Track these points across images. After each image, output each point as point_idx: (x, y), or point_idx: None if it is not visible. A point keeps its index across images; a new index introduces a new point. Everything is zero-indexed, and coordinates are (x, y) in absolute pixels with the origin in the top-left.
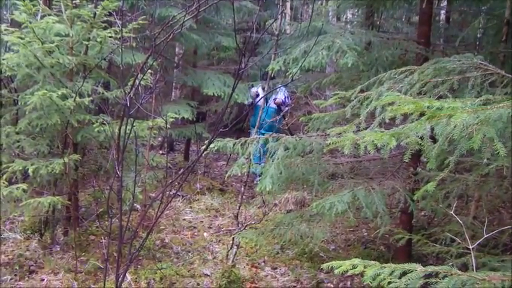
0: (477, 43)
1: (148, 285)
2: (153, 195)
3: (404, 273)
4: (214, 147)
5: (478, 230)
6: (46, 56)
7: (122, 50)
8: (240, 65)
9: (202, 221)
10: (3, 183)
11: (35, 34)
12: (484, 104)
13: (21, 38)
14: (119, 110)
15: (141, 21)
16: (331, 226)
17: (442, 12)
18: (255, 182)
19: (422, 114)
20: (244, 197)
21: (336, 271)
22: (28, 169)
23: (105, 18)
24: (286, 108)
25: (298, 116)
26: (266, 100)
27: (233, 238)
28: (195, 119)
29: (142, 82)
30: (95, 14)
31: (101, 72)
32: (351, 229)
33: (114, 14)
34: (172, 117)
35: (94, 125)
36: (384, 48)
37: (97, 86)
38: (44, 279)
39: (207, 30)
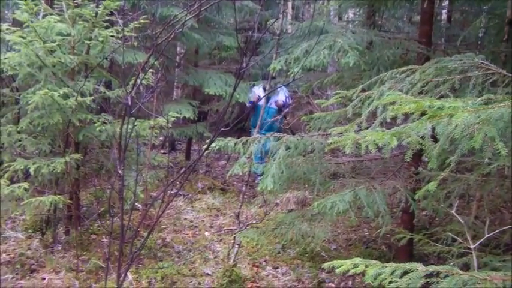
0: (478, 43)
1: (150, 284)
2: (155, 194)
3: (405, 273)
4: (215, 147)
5: (480, 230)
6: (48, 55)
7: (123, 49)
8: (241, 65)
9: (203, 220)
10: (5, 182)
11: (37, 33)
12: (485, 103)
13: (23, 37)
14: (120, 109)
15: (142, 21)
16: (333, 226)
17: (444, 11)
18: (256, 181)
19: (423, 114)
20: (245, 196)
21: (337, 270)
22: (30, 168)
23: (106, 18)
24: (287, 109)
25: (300, 116)
26: (267, 100)
27: (234, 237)
28: (196, 119)
29: (143, 81)
30: (96, 13)
31: (102, 72)
32: (352, 229)
33: (116, 13)
34: (173, 117)
35: (95, 124)
36: (385, 47)
37: (98, 85)
38: (45, 278)
39: (209, 29)
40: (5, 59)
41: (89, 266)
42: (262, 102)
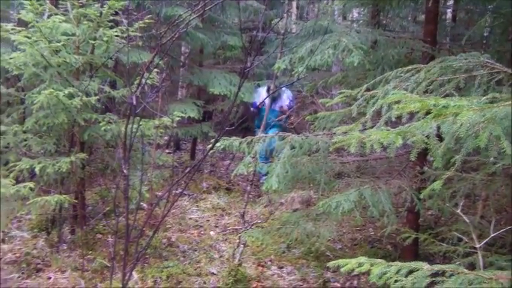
0: (484, 42)
1: (155, 283)
2: (160, 194)
3: (410, 272)
4: (220, 146)
5: (485, 229)
6: (53, 55)
7: (128, 49)
8: (246, 64)
9: (208, 220)
10: (11, 181)
11: (42, 33)
12: (490, 102)
13: (28, 37)
14: (125, 108)
15: (147, 20)
16: (338, 225)
17: (449, 10)
18: (261, 181)
19: (428, 113)
20: (250, 196)
21: (342, 269)
22: (35, 168)
23: (111, 18)
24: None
25: (304, 115)
26: (273, 99)
27: (239, 237)
28: (201, 118)
29: (148, 81)
30: (101, 13)
31: (107, 71)
32: (358, 228)
33: (121, 13)
34: (178, 116)
35: (101, 124)
36: (390, 46)
37: (103, 85)
38: (51, 278)
39: (213, 29)
40: (11, 58)
41: (95, 266)
42: (266, 103)
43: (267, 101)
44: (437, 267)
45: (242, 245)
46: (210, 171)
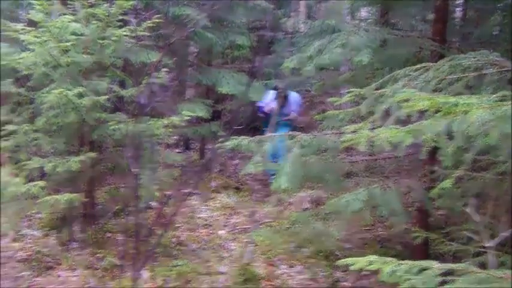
0: (493, 40)
1: (165, 282)
2: (169, 193)
3: (421, 270)
4: (229, 146)
5: (496, 229)
6: (62, 54)
7: (136, 48)
8: (254, 64)
9: (217, 219)
10: (21, 180)
11: (51, 33)
12: (500, 100)
13: (38, 37)
14: (134, 108)
15: (155, 20)
16: (347, 225)
17: (458, 9)
18: (269, 180)
19: (438, 111)
20: (259, 195)
21: (352, 267)
22: (45, 167)
23: (120, 17)
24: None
25: (313, 114)
26: (282, 100)
27: (249, 236)
28: (210, 118)
29: (157, 80)
30: (110, 13)
31: (116, 71)
32: (367, 228)
33: (129, 12)
34: (187, 116)
35: (110, 123)
36: (399, 45)
37: (112, 85)
38: (61, 276)
39: (221, 28)
40: (20, 58)
41: (105, 264)
42: (274, 107)
43: (274, 105)
44: (448, 266)
45: (251, 244)
46: (219, 171)
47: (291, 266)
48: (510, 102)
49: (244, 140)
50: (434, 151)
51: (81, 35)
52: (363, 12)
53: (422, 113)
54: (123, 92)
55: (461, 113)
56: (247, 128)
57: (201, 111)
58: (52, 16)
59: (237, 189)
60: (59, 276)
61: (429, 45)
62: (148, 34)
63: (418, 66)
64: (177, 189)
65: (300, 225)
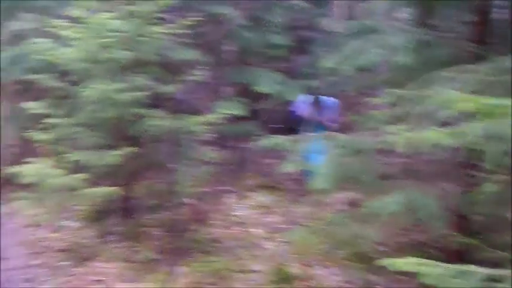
0: None
1: (199, 278)
2: (205, 190)
3: (460, 274)
4: (265, 144)
5: None
6: (101, 51)
7: (174, 46)
8: (291, 63)
9: (252, 218)
10: (62, 173)
11: (91, 30)
12: None
13: (78, 34)
14: (171, 104)
15: (194, 18)
16: (383, 227)
17: (498, 10)
18: (306, 180)
19: (479, 113)
20: (294, 194)
21: (389, 268)
22: (85, 160)
23: (158, 15)
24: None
25: (350, 115)
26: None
27: (283, 235)
28: (246, 116)
29: (194, 78)
30: (148, 10)
31: (154, 68)
32: (403, 231)
33: (168, 11)
34: (223, 114)
35: (148, 119)
36: (437, 46)
37: (151, 81)
38: (98, 267)
39: (259, 27)
40: (61, 54)
41: (141, 258)
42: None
43: (307, 111)
44: (489, 271)
45: (286, 244)
46: (255, 169)
47: (326, 267)
48: None
49: (281, 139)
50: (475, 154)
51: (121, 31)
52: (401, 13)
53: (462, 115)
54: (162, 89)
55: (504, 115)
56: (284, 127)
57: (237, 110)
58: (91, 13)
59: (273, 188)
60: (96, 267)
61: (468, 47)
62: (187, 32)
63: (457, 67)
64: (213, 186)
65: (335, 226)
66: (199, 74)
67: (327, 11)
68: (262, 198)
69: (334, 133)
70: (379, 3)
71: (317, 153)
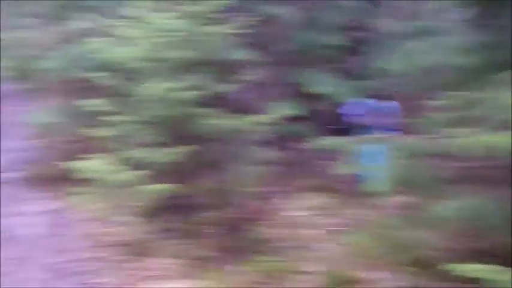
0: None
1: (253, 277)
2: (259, 190)
3: None
4: (321, 145)
5: None
6: (160, 50)
7: (231, 46)
8: (347, 64)
9: (306, 219)
10: (121, 169)
11: (150, 29)
12: None
13: (136, 33)
14: (228, 104)
15: (249, 19)
16: (442, 233)
17: None
18: (361, 182)
19: None
20: (349, 197)
21: (452, 274)
22: (144, 157)
23: (215, 15)
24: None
25: (407, 118)
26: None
27: (339, 238)
28: (301, 117)
29: (250, 78)
30: (206, 10)
31: (211, 67)
32: (463, 237)
33: (225, 11)
34: (278, 114)
35: (206, 118)
36: (497, 48)
37: (208, 81)
38: (153, 263)
39: (315, 28)
40: (119, 53)
41: (196, 255)
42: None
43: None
44: None
45: (341, 246)
46: (309, 170)
47: (383, 272)
48: None
49: (338, 140)
50: None
51: (178, 31)
52: (458, 14)
53: None
54: (218, 88)
55: None
56: (336, 129)
57: (293, 110)
58: (148, 12)
59: (327, 189)
60: (150, 263)
61: None
62: (243, 32)
63: None
64: (267, 186)
65: (392, 230)
66: (255, 74)
67: (384, 11)
68: (316, 199)
69: (392, 136)
70: (436, 4)
71: (373, 156)
